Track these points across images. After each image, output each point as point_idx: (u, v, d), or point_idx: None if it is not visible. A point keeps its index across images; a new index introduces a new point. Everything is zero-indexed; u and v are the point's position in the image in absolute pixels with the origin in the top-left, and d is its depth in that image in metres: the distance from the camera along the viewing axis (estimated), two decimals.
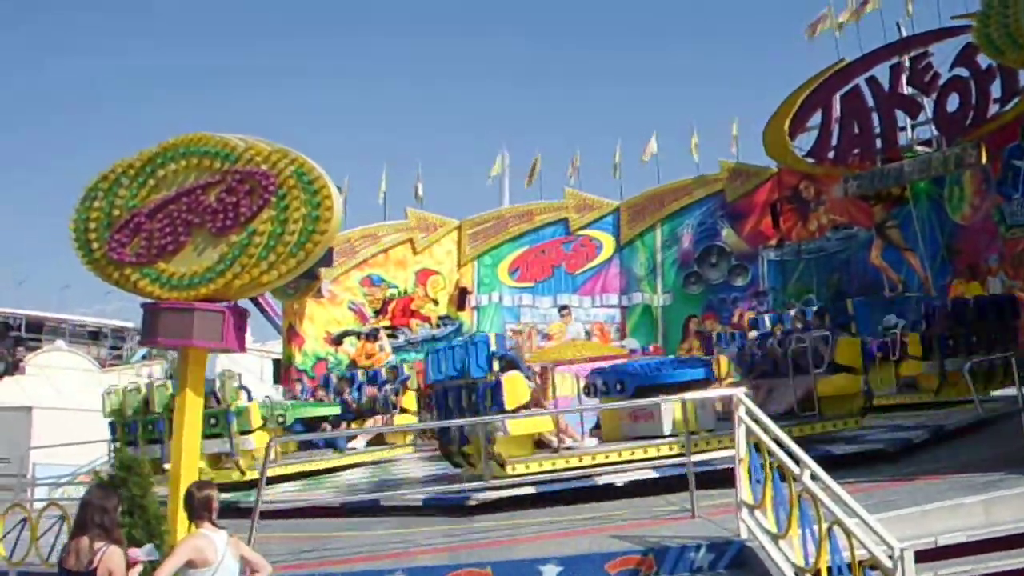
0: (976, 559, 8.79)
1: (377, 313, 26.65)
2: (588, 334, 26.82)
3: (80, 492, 12.09)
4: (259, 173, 9.65)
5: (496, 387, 12.97)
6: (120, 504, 7.44)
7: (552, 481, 12.43)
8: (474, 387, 13.47)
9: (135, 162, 10.18)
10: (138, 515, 9.07)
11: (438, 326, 26.92)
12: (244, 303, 26.92)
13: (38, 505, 12.55)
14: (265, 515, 11.46)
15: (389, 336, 26.03)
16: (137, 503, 9.14)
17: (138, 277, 9.82)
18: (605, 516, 11.19)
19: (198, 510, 7.10)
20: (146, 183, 10.05)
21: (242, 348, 10.25)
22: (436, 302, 27.12)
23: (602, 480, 12.55)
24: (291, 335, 26.07)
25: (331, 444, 18.85)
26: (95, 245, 10.02)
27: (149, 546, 7.46)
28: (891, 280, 23.29)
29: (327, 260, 21.46)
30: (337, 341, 26.00)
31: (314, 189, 9.49)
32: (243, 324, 9.98)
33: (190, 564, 6.81)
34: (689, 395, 12.01)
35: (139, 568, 7.08)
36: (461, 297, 27.03)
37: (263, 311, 29.48)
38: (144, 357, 44.37)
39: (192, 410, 9.84)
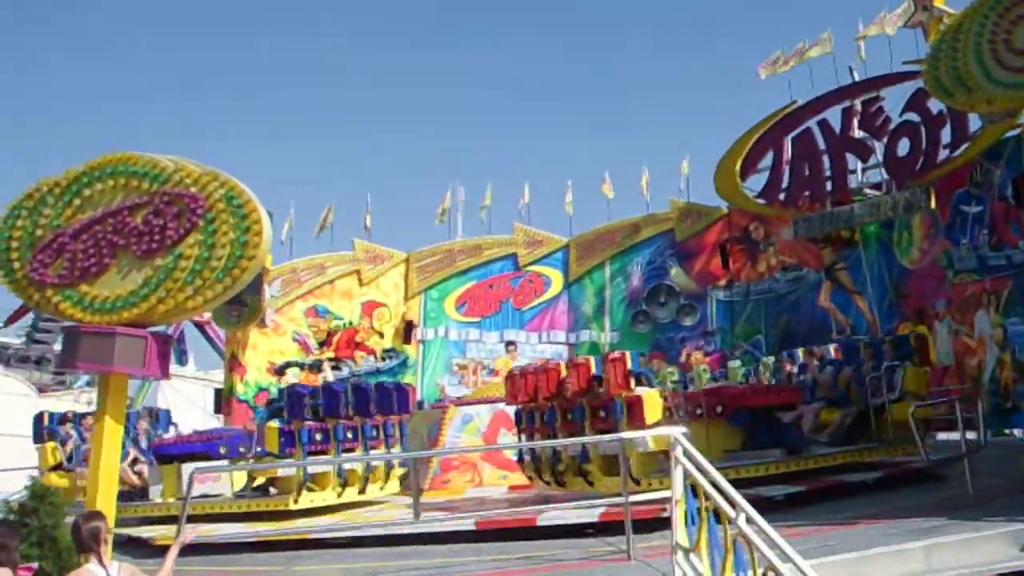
0: None
1: (321, 344, 26.36)
2: None
3: None
4: (188, 195, 9.37)
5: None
6: (20, 541, 7.06)
7: None
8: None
9: (61, 181, 9.88)
10: (48, 547, 8.72)
11: (383, 359, 26.65)
12: (190, 330, 26.61)
13: None
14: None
15: (333, 368, 25.71)
16: (48, 534, 8.78)
17: (60, 299, 9.50)
18: (541, 555, 10.91)
19: (86, 542, 6.65)
20: (71, 202, 9.74)
21: (165, 375, 9.93)
22: (382, 335, 26.86)
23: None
24: (233, 364, 25.68)
25: None
26: (16, 265, 9.69)
27: None
28: (839, 323, 23.26)
29: (256, 287, 21.16)
30: (280, 372, 25.64)
31: (243, 213, 9.21)
32: (167, 350, 9.66)
33: None
34: (627, 434, 11.77)
35: None
36: (407, 330, 26.80)
37: (209, 339, 29.13)
38: (88, 383, 43.69)
39: (111, 437, 9.49)
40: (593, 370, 14.24)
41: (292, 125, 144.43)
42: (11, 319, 34.58)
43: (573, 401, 14.31)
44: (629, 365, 13.72)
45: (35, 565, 7.41)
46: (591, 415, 13.93)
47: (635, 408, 13.24)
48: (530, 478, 15.90)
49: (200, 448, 16.83)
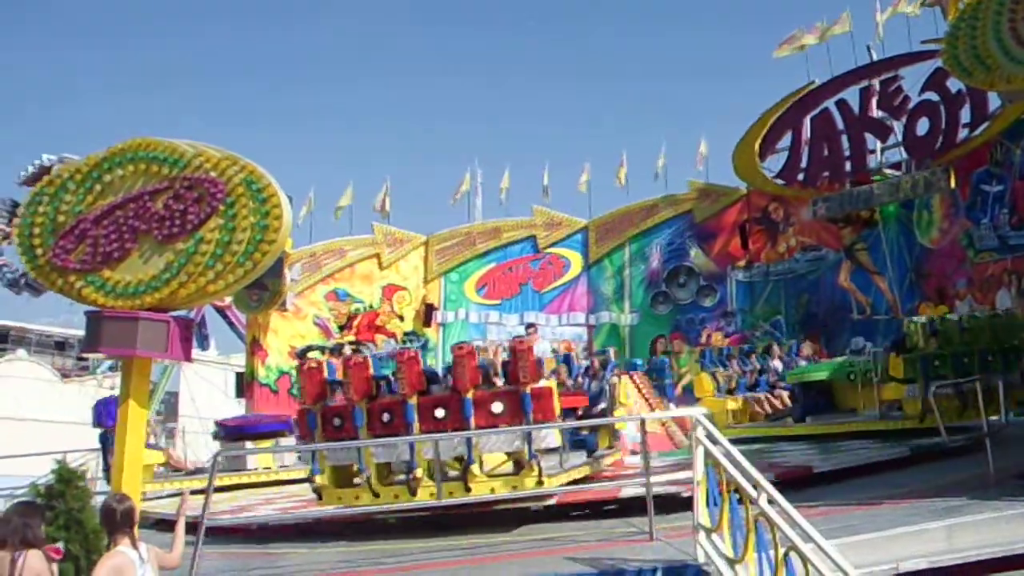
0: None
1: (342, 328, 26.44)
2: (555, 352, 26.59)
3: None
4: (208, 180, 9.38)
5: None
6: (43, 521, 7.11)
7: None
8: None
9: (82, 167, 9.89)
10: (75, 530, 8.76)
11: (404, 342, 26.64)
12: (211, 315, 26.73)
13: None
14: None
15: (354, 351, 25.70)
16: (75, 517, 8.83)
17: (82, 284, 9.53)
18: (563, 537, 10.94)
19: (120, 525, 6.68)
20: (92, 188, 9.76)
21: (188, 358, 9.97)
22: (402, 318, 26.90)
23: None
24: (254, 348, 25.77)
25: None
26: (39, 251, 9.72)
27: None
28: (859, 302, 23.23)
29: (277, 271, 21.24)
30: (301, 355, 25.60)
31: (263, 198, 9.22)
32: (189, 334, 9.69)
33: None
34: (648, 415, 11.78)
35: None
36: (427, 313, 26.84)
37: (230, 323, 29.20)
38: (111, 368, 43.88)
39: (135, 421, 9.54)
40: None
41: (311, 109, 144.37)
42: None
43: None
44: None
45: (60, 545, 7.45)
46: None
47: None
48: None
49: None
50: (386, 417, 12.16)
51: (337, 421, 12.39)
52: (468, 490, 11.84)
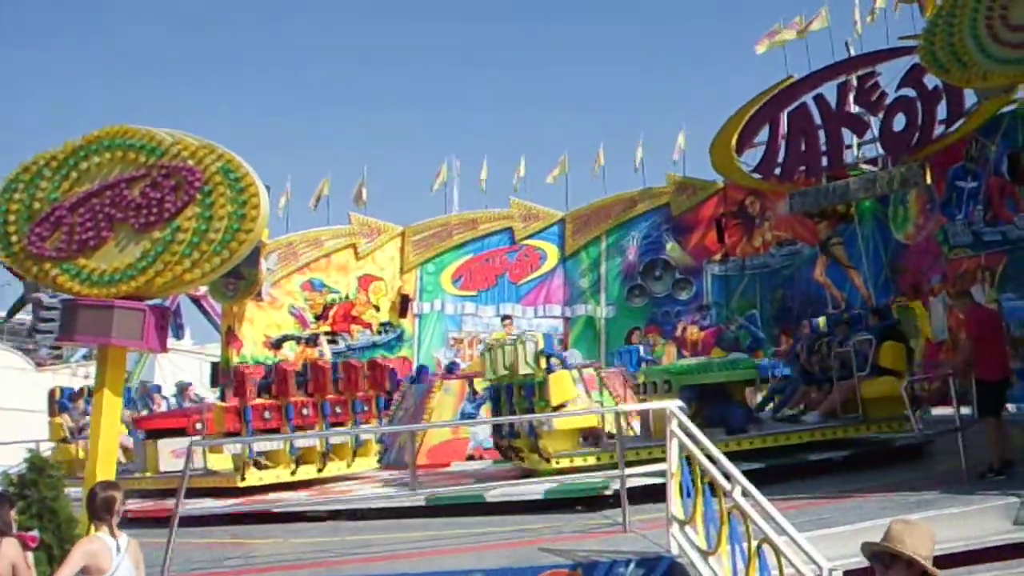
0: None
1: (318, 318, 26.34)
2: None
3: None
4: (185, 168, 9.38)
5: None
6: (12, 510, 7.09)
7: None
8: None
9: (58, 154, 9.89)
10: (48, 519, 8.72)
11: (379, 332, 26.65)
12: (186, 304, 26.60)
13: None
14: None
15: (329, 342, 25.69)
16: (48, 506, 8.80)
17: (57, 272, 9.52)
18: (537, 528, 10.97)
19: (99, 511, 6.67)
20: (68, 176, 9.75)
21: (163, 348, 9.97)
22: (378, 308, 26.83)
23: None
24: (230, 338, 25.66)
25: None
26: (14, 238, 9.71)
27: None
28: (834, 297, 23.32)
29: (254, 260, 21.16)
30: (276, 345, 25.61)
31: (241, 187, 9.23)
32: (164, 323, 9.70)
33: (84, 571, 6.45)
34: (623, 407, 11.83)
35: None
36: (403, 304, 26.77)
37: (205, 312, 29.12)
38: (85, 356, 43.64)
39: (110, 410, 9.53)
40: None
41: (288, 98, 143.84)
42: (11, 313, 34.63)
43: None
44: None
45: (36, 533, 7.44)
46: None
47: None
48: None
49: None
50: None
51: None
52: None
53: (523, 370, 13.77)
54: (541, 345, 13.83)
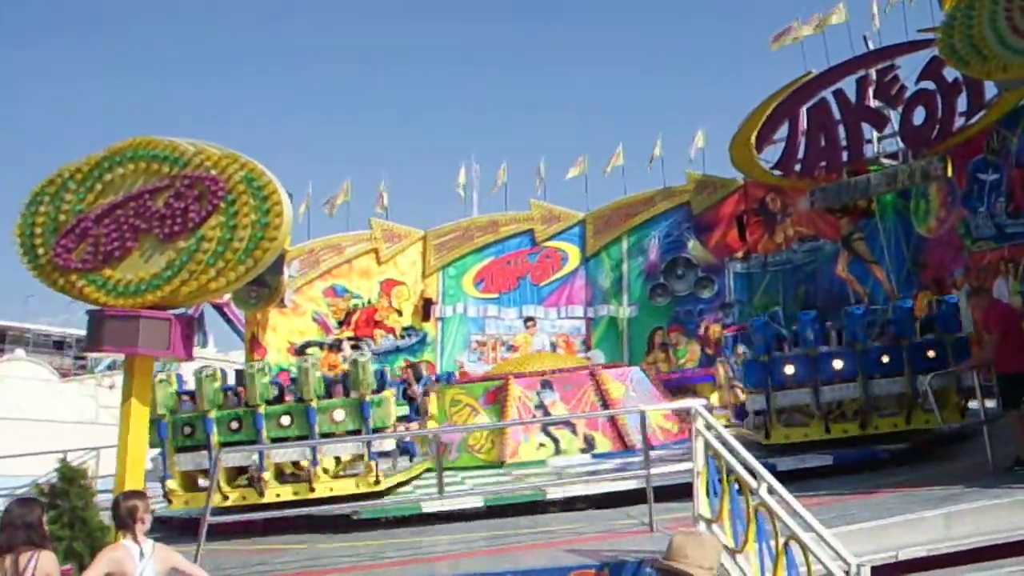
0: (937, 574, 8.65)
1: (340, 324, 26.46)
2: (553, 346, 26.68)
3: None
4: (208, 178, 9.45)
5: None
6: (44, 515, 7.16)
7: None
8: None
9: (82, 166, 9.97)
10: (79, 528, 8.83)
11: (402, 336, 26.73)
12: (209, 312, 26.78)
13: None
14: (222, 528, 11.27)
15: (353, 347, 25.80)
16: (78, 515, 8.89)
17: (84, 283, 9.60)
18: (561, 530, 10.99)
19: (123, 519, 6.81)
20: (93, 187, 9.84)
21: (189, 356, 10.03)
22: (400, 312, 26.92)
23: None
24: (253, 345, 25.80)
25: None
26: (41, 251, 9.81)
27: None
28: (857, 292, 23.25)
29: (278, 267, 21.27)
30: (300, 352, 25.73)
31: (264, 195, 9.29)
32: (190, 332, 9.77)
33: None
34: (647, 407, 11.84)
35: None
36: (426, 308, 26.85)
37: (228, 320, 29.21)
38: (109, 367, 43.91)
39: (137, 419, 9.60)
40: None
41: (308, 105, 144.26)
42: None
43: None
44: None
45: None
46: None
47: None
48: None
49: None
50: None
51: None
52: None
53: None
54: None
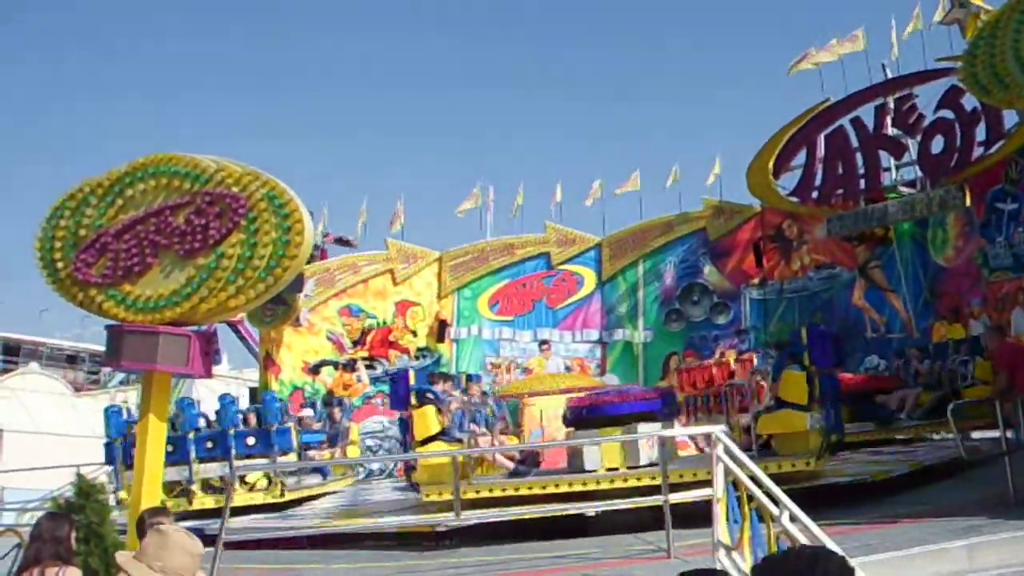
0: None
1: (355, 343, 26.41)
2: (568, 369, 26.55)
3: None
4: (229, 195, 9.42)
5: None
6: (73, 530, 7.13)
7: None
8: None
9: (103, 181, 9.96)
10: (94, 543, 8.77)
11: (417, 357, 26.65)
12: (223, 330, 26.83)
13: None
14: (237, 545, 11.22)
15: (367, 367, 25.81)
16: (94, 531, 8.84)
17: (103, 298, 9.58)
18: (577, 554, 10.92)
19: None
20: (114, 202, 9.82)
21: (208, 374, 10.01)
22: (415, 333, 26.87)
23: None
24: (268, 363, 25.76)
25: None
26: (60, 265, 9.78)
27: None
28: (873, 321, 23.15)
29: (298, 286, 21.29)
30: (314, 371, 25.74)
31: (285, 213, 9.26)
32: (209, 349, 9.73)
33: None
34: (666, 431, 11.78)
35: None
36: (440, 329, 26.80)
37: (242, 338, 29.22)
38: (122, 382, 43.96)
39: (155, 436, 9.57)
40: None
41: (323, 125, 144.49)
42: None
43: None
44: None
45: None
46: None
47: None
48: None
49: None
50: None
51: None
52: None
53: None
54: None
